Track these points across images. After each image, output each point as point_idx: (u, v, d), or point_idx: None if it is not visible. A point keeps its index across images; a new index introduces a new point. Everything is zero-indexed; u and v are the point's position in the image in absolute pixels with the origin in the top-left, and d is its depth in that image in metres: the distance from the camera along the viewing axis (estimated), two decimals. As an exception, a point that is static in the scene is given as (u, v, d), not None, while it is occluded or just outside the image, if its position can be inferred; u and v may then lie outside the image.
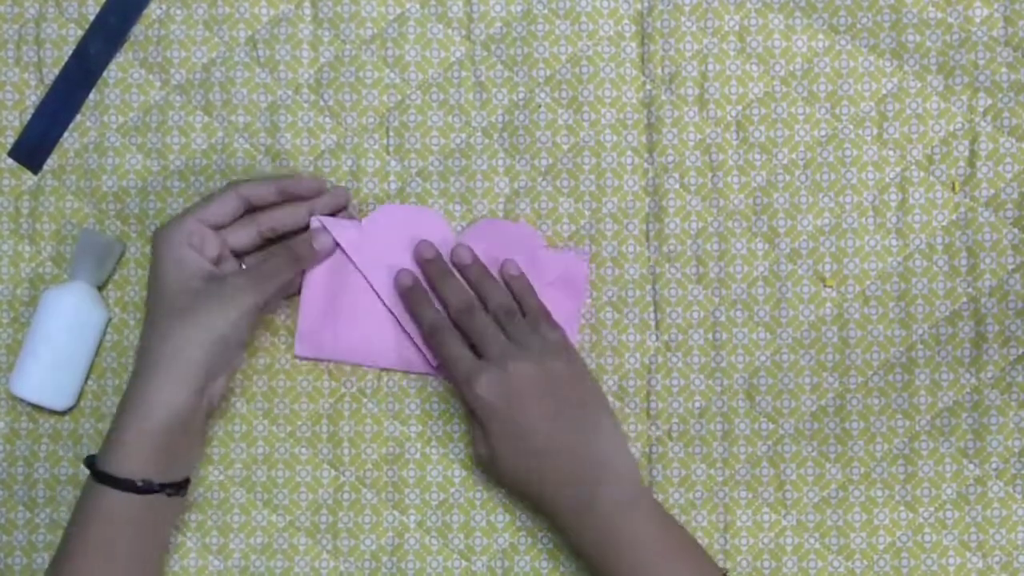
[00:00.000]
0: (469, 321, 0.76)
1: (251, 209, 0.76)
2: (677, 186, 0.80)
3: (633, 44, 0.81)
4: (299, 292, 0.78)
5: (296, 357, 0.79)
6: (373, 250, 0.79)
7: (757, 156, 0.80)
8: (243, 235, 0.76)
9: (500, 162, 0.81)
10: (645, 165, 0.80)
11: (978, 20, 0.80)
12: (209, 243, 0.74)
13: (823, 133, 0.80)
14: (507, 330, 0.75)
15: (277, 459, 0.79)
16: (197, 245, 0.73)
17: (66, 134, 0.81)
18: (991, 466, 0.78)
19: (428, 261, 0.78)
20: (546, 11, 0.81)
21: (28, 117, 0.81)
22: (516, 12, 0.81)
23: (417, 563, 0.78)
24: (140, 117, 0.81)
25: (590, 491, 0.72)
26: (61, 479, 0.79)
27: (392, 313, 0.79)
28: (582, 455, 0.73)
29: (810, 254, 0.80)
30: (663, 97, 0.80)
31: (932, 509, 0.78)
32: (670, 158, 0.80)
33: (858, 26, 0.80)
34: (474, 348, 0.76)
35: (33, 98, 0.81)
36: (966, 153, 0.80)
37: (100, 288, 0.79)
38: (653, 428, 0.79)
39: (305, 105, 0.81)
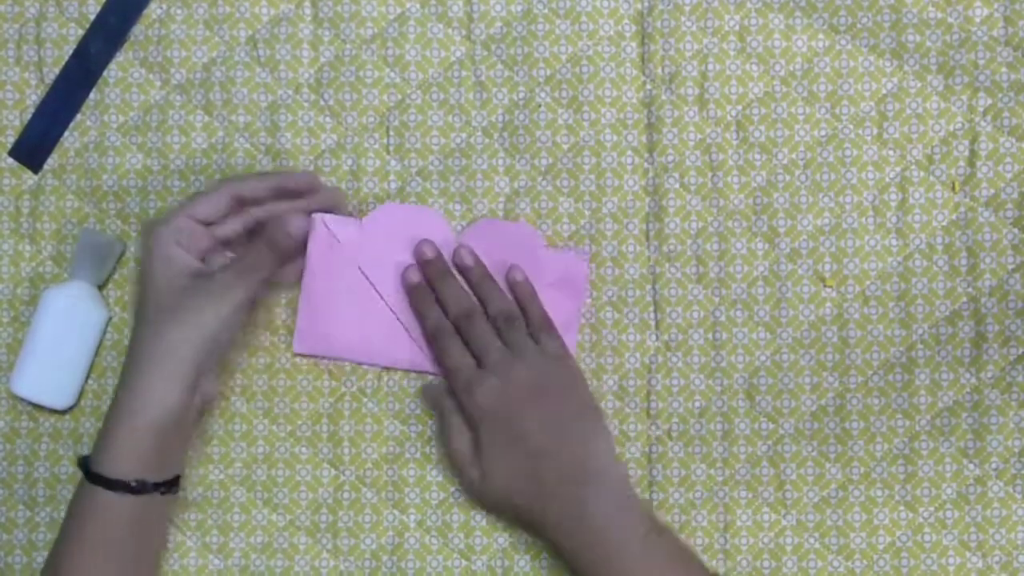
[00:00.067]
0: (468, 327, 0.76)
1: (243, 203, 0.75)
2: (677, 186, 0.80)
3: (633, 44, 0.81)
4: (299, 284, 0.78)
5: (295, 354, 0.79)
6: (373, 249, 0.79)
7: (757, 156, 0.80)
8: (232, 227, 0.75)
9: (500, 162, 0.81)
10: (645, 165, 0.80)
11: (978, 20, 0.80)
12: (198, 239, 0.73)
13: (823, 133, 0.80)
14: (506, 337, 0.76)
15: (277, 458, 0.79)
16: (186, 243, 0.72)
17: (66, 133, 0.81)
18: (991, 466, 0.78)
19: (429, 261, 0.78)
20: (546, 11, 0.81)
21: (28, 116, 0.81)
22: (516, 12, 0.81)
23: (417, 562, 0.78)
24: (140, 116, 0.81)
25: (580, 498, 0.72)
26: (61, 478, 0.79)
27: (392, 311, 0.79)
28: (573, 462, 0.73)
29: (810, 254, 0.80)
30: (663, 97, 0.80)
31: (932, 509, 0.78)
32: (670, 158, 0.80)
33: (858, 26, 0.80)
34: (473, 352, 0.76)
35: (33, 97, 0.81)
36: (966, 153, 0.80)
37: (100, 287, 0.79)
38: (653, 428, 0.79)
39: (305, 104, 0.81)
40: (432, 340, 0.77)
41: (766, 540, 0.78)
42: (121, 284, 0.80)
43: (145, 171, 0.81)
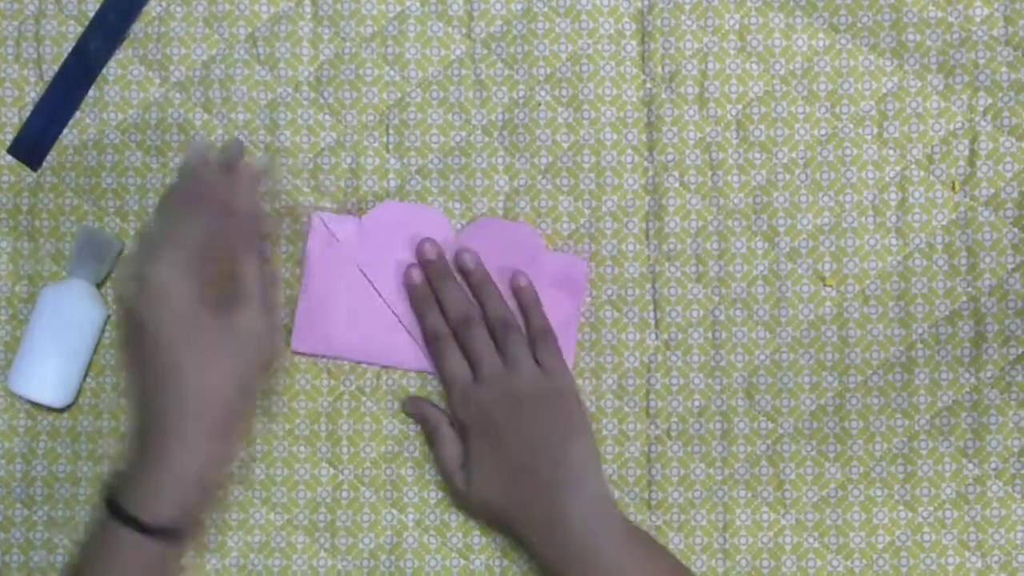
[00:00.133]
0: (466, 334, 0.76)
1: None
2: (677, 185, 0.80)
3: (633, 42, 0.81)
4: (298, 282, 0.78)
5: (293, 353, 0.79)
6: (372, 247, 0.79)
7: (757, 155, 0.80)
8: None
9: (500, 160, 0.80)
10: (645, 164, 0.80)
11: (978, 19, 0.80)
12: (196, 270, 0.68)
13: (823, 132, 0.80)
14: (502, 345, 0.76)
15: (275, 457, 0.79)
16: (187, 283, 0.68)
17: (65, 131, 0.81)
18: (990, 466, 0.78)
19: (430, 262, 0.78)
20: (546, 9, 0.81)
21: (27, 114, 0.81)
22: (516, 10, 0.81)
23: (415, 561, 0.78)
24: (140, 114, 0.81)
25: (561, 508, 0.72)
26: (59, 476, 0.79)
27: (391, 310, 0.79)
28: (556, 472, 0.73)
29: (810, 253, 0.80)
30: (663, 96, 0.80)
31: (931, 508, 0.78)
32: (670, 157, 0.80)
33: (858, 25, 0.80)
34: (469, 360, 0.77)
35: (32, 95, 0.81)
36: (966, 152, 0.80)
37: (99, 286, 0.79)
38: (652, 427, 0.79)
39: (305, 103, 0.81)
40: (430, 343, 0.78)
41: (765, 539, 0.78)
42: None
43: (144, 169, 0.81)
